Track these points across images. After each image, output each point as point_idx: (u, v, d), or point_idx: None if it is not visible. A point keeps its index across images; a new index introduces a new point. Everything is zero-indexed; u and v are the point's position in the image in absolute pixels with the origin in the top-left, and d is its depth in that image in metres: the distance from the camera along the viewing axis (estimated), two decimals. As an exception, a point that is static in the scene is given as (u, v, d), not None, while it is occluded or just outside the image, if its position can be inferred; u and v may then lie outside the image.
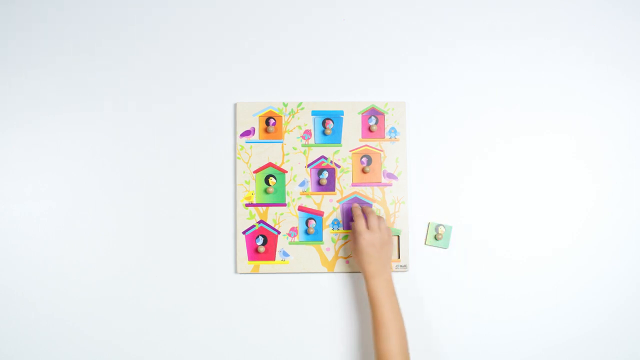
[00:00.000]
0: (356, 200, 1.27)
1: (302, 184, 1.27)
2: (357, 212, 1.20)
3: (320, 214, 1.26)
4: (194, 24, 1.28)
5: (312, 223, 1.24)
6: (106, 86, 1.27)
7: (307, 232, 1.25)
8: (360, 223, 1.18)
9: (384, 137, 1.28)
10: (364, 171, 1.26)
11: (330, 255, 1.26)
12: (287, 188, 1.26)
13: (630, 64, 1.30)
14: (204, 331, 1.25)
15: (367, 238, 1.15)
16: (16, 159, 1.26)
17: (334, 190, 1.27)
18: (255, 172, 1.27)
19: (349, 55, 1.29)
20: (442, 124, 1.28)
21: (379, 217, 1.19)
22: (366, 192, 1.27)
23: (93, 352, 1.24)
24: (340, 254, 1.26)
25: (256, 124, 1.27)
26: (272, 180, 1.24)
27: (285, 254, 1.26)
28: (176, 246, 1.25)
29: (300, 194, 1.27)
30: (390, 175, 1.27)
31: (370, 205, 1.25)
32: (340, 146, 1.27)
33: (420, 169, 1.28)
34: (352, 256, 1.22)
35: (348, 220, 1.25)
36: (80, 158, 1.26)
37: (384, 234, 1.17)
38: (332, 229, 1.26)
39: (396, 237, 1.26)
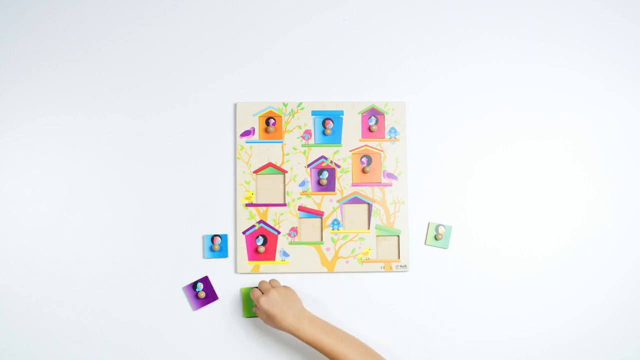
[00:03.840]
0: (356, 200, 1.27)
1: (302, 184, 1.27)
2: (255, 294, 1.18)
3: (320, 213, 1.26)
4: (194, 25, 1.28)
5: (218, 240, 1.24)
6: (106, 87, 1.27)
7: (212, 249, 1.25)
8: (254, 292, 1.17)
9: (384, 137, 1.28)
10: (364, 171, 1.26)
11: (330, 255, 1.26)
12: (287, 188, 1.26)
13: (631, 67, 1.30)
14: (203, 330, 1.25)
15: (264, 301, 1.14)
16: (16, 160, 1.26)
17: (334, 190, 1.27)
18: (255, 172, 1.27)
19: (349, 55, 1.29)
20: (442, 123, 1.29)
21: (271, 279, 1.21)
22: (366, 192, 1.27)
23: (93, 351, 1.24)
24: (341, 254, 1.26)
25: (256, 124, 1.27)
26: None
27: (285, 254, 1.26)
28: (176, 246, 1.25)
29: (300, 194, 1.27)
30: (390, 175, 1.27)
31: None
32: (340, 146, 1.27)
33: (420, 169, 1.28)
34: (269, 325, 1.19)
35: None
36: (80, 158, 1.26)
37: (278, 289, 1.17)
38: (332, 229, 1.26)
39: (396, 237, 1.26)
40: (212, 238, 1.25)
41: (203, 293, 1.24)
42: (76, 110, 1.27)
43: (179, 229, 1.26)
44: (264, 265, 1.25)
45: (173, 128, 1.27)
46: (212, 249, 1.25)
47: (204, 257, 1.25)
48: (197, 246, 1.26)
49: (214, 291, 1.25)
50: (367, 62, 1.29)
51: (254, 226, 1.26)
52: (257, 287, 1.21)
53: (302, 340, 1.13)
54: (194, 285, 1.25)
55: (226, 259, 1.26)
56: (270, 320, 1.15)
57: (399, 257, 1.26)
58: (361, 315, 1.26)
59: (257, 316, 1.24)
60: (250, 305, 1.25)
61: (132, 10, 1.28)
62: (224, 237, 1.25)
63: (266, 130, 1.27)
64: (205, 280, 1.25)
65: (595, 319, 1.27)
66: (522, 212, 1.28)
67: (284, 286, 1.20)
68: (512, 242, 1.28)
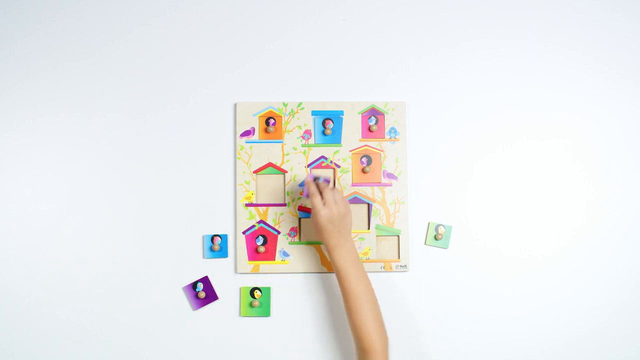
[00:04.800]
0: (356, 200, 1.27)
1: (302, 184, 1.27)
2: (312, 189, 1.17)
3: (320, 214, 1.26)
4: (194, 25, 1.28)
5: (218, 240, 1.24)
6: (106, 87, 1.27)
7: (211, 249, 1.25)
8: (316, 200, 1.15)
9: (384, 137, 1.28)
10: (364, 171, 1.26)
11: (330, 255, 1.26)
12: (287, 188, 1.26)
13: (631, 67, 1.30)
14: (203, 330, 1.25)
15: (324, 215, 1.13)
16: (16, 160, 1.26)
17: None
18: (255, 172, 1.27)
19: (349, 55, 1.29)
20: (442, 123, 1.29)
21: (334, 190, 1.17)
22: (366, 192, 1.27)
23: (93, 351, 1.24)
24: (340, 254, 1.26)
25: (256, 124, 1.27)
26: (257, 293, 1.24)
27: (285, 254, 1.26)
28: (176, 246, 1.25)
29: (300, 194, 1.26)
30: (390, 175, 1.27)
31: (327, 182, 1.20)
32: (340, 146, 1.27)
33: (420, 169, 1.28)
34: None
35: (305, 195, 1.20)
36: (80, 158, 1.26)
37: (340, 207, 1.15)
38: (332, 229, 1.26)
39: (396, 237, 1.26)
40: (212, 238, 1.25)
41: (203, 293, 1.24)
42: (76, 110, 1.27)
43: (179, 229, 1.26)
44: (264, 265, 1.25)
45: (173, 128, 1.27)
46: (212, 249, 1.25)
47: (204, 257, 1.25)
48: (197, 246, 1.26)
49: (214, 291, 1.25)
50: (367, 62, 1.29)
51: (254, 226, 1.26)
52: (318, 190, 1.16)
53: (332, 262, 1.14)
54: (194, 285, 1.25)
55: (226, 259, 1.26)
56: (318, 232, 1.15)
57: (399, 257, 1.26)
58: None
59: (254, 314, 1.24)
60: (248, 305, 1.25)
61: (132, 10, 1.28)
62: (224, 237, 1.25)
63: (266, 130, 1.27)
64: (205, 280, 1.25)
65: (595, 319, 1.27)
66: (522, 212, 1.28)
67: (345, 203, 1.17)
68: (512, 242, 1.28)
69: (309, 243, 1.26)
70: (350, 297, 1.12)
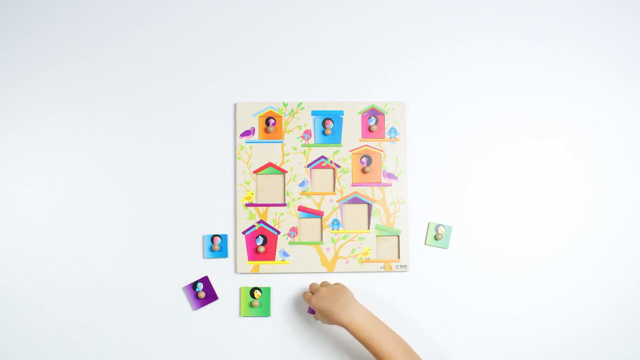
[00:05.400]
0: (356, 200, 1.27)
1: (302, 184, 1.27)
2: (303, 294, 1.21)
3: (320, 213, 1.26)
4: (194, 25, 1.28)
5: (218, 240, 1.24)
6: (106, 87, 1.27)
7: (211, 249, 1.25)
8: (305, 295, 1.19)
9: (384, 137, 1.28)
10: (364, 171, 1.26)
11: (330, 255, 1.26)
12: (287, 188, 1.26)
13: (631, 67, 1.30)
14: (203, 330, 1.25)
15: (315, 299, 1.15)
16: (16, 160, 1.26)
17: (333, 190, 1.27)
18: (255, 172, 1.27)
19: (349, 55, 1.29)
20: (442, 123, 1.29)
21: (321, 282, 1.22)
22: (366, 192, 1.27)
23: (93, 351, 1.24)
24: (341, 254, 1.26)
25: (256, 124, 1.27)
26: (257, 293, 1.24)
27: (285, 254, 1.26)
28: (176, 246, 1.25)
29: (300, 194, 1.27)
30: (390, 175, 1.27)
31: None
32: (340, 146, 1.27)
33: (420, 169, 1.28)
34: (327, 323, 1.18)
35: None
36: (80, 158, 1.26)
37: (327, 287, 1.18)
38: (332, 229, 1.26)
39: (396, 237, 1.26)
40: (212, 238, 1.25)
41: (203, 293, 1.24)
42: (76, 110, 1.27)
43: (179, 229, 1.26)
44: (264, 265, 1.25)
45: (173, 128, 1.27)
46: (212, 249, 1.25)
47: (204, 257, 1.25)
48: (197, 246, 1.26)
49: (214, 291, 1.25)
50: (367, 62, 1.29)
51: (254, 226, 1.26)
52: (307, 292, 1.21)
53: (353, 334, 1.11)
54: (194, 285, 1.25)
55: (226, 259, 1.26)
56: (325, 316, 1.15)
57: (399, 257, 1.26)
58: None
59: (254, 314, 1.24)
60: (248, 305, 1.25)
61: (132, 10, 1.28)
62: (223, 237, 1.25)
63: (266, 130, 1.27)
64: (205, 280, 1.25)
65: (595, 319, 1.27)
66: (522, 212, 1.28)
67: (335, 283, 1.21)
68: (512, 242, 1.28)
69: (309, 243, 1.26)
70: (384, 357, 1.08)
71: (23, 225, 1.25)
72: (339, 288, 1.18)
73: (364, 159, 1.27)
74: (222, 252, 1.25)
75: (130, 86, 1.27)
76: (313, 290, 1.20)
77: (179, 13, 1.28)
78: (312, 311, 1.24)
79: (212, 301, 1.25)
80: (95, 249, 1.25)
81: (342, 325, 1.12)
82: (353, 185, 1.27)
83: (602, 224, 1.28)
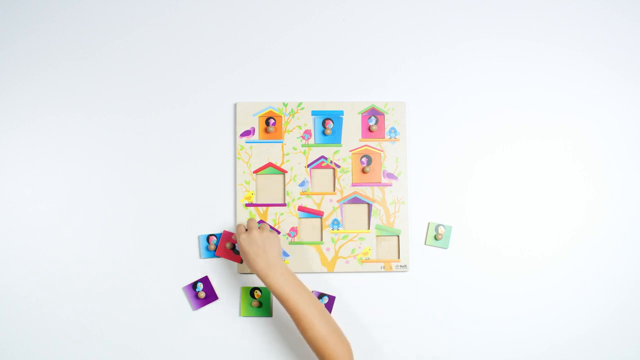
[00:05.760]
0: (356, 200, 1.27)
1: (302, 184, 1.27)
2: (237, 225, 1.20)
3: (320, 213, 1.26)
4: (194, 25, 1.28)
5: (213, 239, 1.24)
6: (106, 87, 1.27)
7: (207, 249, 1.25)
8: (237, 227, 1.18)
9: (384, 137, 1.28)
10: (364, 171, 1.26)
11: (330, 255, 1.26)
12: (287, 188, 1.26)
13: (631, 67, 1.30)
14: (203, 330, 1.25)
15: (245, 238, 1.14)
16: (16, 160, 1.26)
17: (333, 190, 1.27)
18: (255, 172, 1.27)
19: (349, 55, 1.29)
20: (442, 124, 1.29)
21: (259, 221, 1.20)
22: (366, 192, 1.27)
23: (93, 351, 1.24)
24: (341, 254, 1.26)
25: (256, 124, 1.27)
26: (257, 293, 1.24)
27: (285, 254, 1.26)
28: (176, 246, 1.25)
29: (300, 194, 1.27)
30: (390, 175, 1.27)
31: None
32: (340, 146, 1.27)
33: (420, 169, 1.28)
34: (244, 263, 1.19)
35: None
36: (80, 158, 1.26)
37: (263, 230, 1.16)
38: (332, 229, 1.26)
39: (396, 237, 1.26)
40: (208, 238, 1.25)
41: (203, 293, 1.24)
42: (76, 110, 1.27)
43: (179, 229, 1.26)
44: (264, 265, 1.25)
45: (173, 128, 1.27)
46: (208, 249, 1.25)
47: (200, 257, 1.25)
48: (198, 246, 1.26)
49: (213, 291, 1.25)
50: (367, 62, 1.29)
51: (254, 226, 1.26)
52: (242, 224, 1.19)
53: (269, 288, 1.11)
54: (194, 285, 1.25)
55: (224, 258, 1.26)
56: (245, 259, 1.14)
57: (399, 257, 1.26)
58: (361, 315, 1.26)
59: (254, 314, 1.24)
60: (248, 305, 1.25)
61: (132, 10, 1.28)
62: (219, 237, 1.25)
63: (266, 130, 1.27)
64: (205, 280, 1.25)
65: (595, 319, 1.27)
66: (522, 212, 1.28)
67: (271, 231, 1.18)
68: (512, 242, 1.28)
69: (309, 243, 1.26)
70: (299, 318, 1.10)
71: (23, 225, 1.25)
72: (272, 239, 1.15)
73: (364, 159, 1.27)
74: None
75: (130, 86, 1.27)
76: (248, 227, 1.17)
77: (179, 13, 1.28)
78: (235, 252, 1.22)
79: (212, 301, 1.25)
80: (95, 249, 1.25)
81: (259, 276, 1.12)
82: (353, 185, 1.27)
83: (602, 224, 1.28)
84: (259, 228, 1.17)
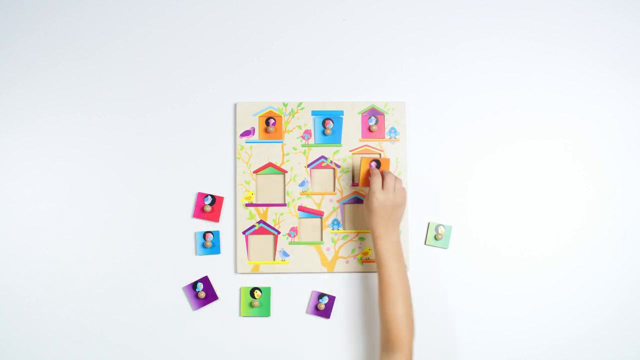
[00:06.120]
0: (356, 200, 1.27)
1: (302, 184, 1.27)
2: (374, 172, 1.18)
3: (320, 213, 1.26)
4: (194, 25, 1.28)
5: (210, 237, 1.24)
6: (106, 87, 1.27)
7: (204, 246, 1.25)
8: (375, 181, 1.15)
9: (384, 137, 1.28)
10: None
11: (330, 255, 1.26)
12: (287, 188, 1.26)
13: (631, 67, 1.30)
14: (203, 330, 1.25)
15: (379, 198, 1.13)
16: (16, 160, 1.26)
17: (333, 190, 1.27)
18: (256, 172, 1.27)
19: (349, 55, 1.29)
20: (442, 124, 1.29)
21: (396, 179, 1.17)
22: (366, 192, 1.27)
23: (93, 351, 1.24)
24: (341, 254, 1.26)
25: (256, 124, 1.27)
26: (257, 293, 1.25)
27: (285, 254, 1.26)
28: (177, 246, 1.25)
29: (300, 194, 1.27)
30: (390, 175, 1.27)
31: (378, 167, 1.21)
32: (340, 146, 1.27)
33: (420, 169, 1.28)
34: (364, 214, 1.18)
35: (365, 178, 1.21)
36: (80, 158, 1.26)
37: (397, 196, 1.15)
38: (332, 229, 1.26)
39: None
40: (204, 235, 1.25)
41: (203, 293, 1.24)
42: (76, 110, 1.27)
43: (179, 229, 1.26)
44: (264, 265, 1.25)
45: (173, 128, 1.27)
46: (204, 246, 1.25)
47: (196, 254, 1.25)
48: (194, 244, 1.26)
49: (213, 291, 1.25)
50: (367, 62, 1.29)
51: (254, 226, 1.26)
52: (380, 174, 1.15)
53: (374, 249, 1.13)
54: (194, 285, 1.25)
55: (224, 258, 1.25)
56: (368, 215, 1.14)
57: (399, 257, 1.26)
58: (361, 315, 1.26)
59: (254, 314, 1.24)
60: (248, 305, 1.25)
61: (132, 10, 1.28)
62: (215, 234, 1.25)
63: (266, 130, 1.27)
64: (205, 280, 1.25)
65: (595, 319, 1.27)
66: (522, 212, 1.28)
67: (403, 192, 1.16)
68: (512, 242, 1.28)
69: (309, 243, 1.26)
70: (388, 288, 1.12)
71: (23, 225, 1.25)
72: (402, 203, 1.14)
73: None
74: (214, 249, 1.25)
75: (130, 86, 1.27)
76: (385, 184, 1.13)
77: (179, 13, 1.28)
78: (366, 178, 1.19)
79: (212, 301, 1.25)
80: (95, 249, 1.25)
81: (373, 236, 1.13)
82: (353, 185, 1.27)
83: (602, 224, 1.28)
84: (394, 190, 1.14)
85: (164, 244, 1.25)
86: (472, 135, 1.29)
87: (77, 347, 1.24)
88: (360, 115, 1.28)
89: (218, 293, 1.25)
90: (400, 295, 1.12)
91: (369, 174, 1.20)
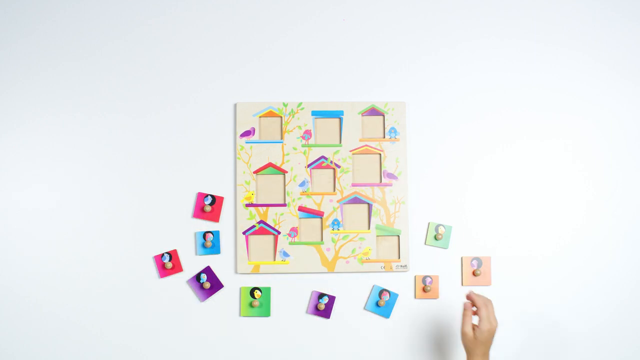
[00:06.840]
0: (356, 200, 1.27)
1: (302, 184, 1.27)
2: (465, 309, 1.14)
3: (320, 214, 1.26)
4: (194, 25, 1.28)
5: (210, 237, 1.24)
6: (106, 87, 1.27)
7: (204, 246, 1.25)
8: (492, 316, 1.12)
9: (384, 137, 1.28)
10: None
11: (330, 255, 1.26)
12: (287, 188, 1.26)
13: (631, 67, 1.30)
14: (203, 330, 1.25)
15: (495, 330, 1.11)
16: (16, 160, 1.26)
17: (334, 190, 1.27)
18: (256, 172, 1.27)
19: (349, 55, 1.29)
20: (442, 124, 1.29)
21: (488, 306, 1.13)
22: (366, 192, 1.27)
23: (93, 351, 1.24)
24: (341, 254, 1.26)
25: (256, 124, 1.27)
26: (257, 293, 1.25)
27: (285, 254, 1.26)
28: (177, 246, 1.25)
29: (300, 194, 1.26)
30: (390, 175, 1.27)
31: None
32: (340, 146, 1.27)
33: (420, 169, 1.28)
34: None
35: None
36: (80, 158, 1.26)
37: (494, 324, 1.12)
38: (332, 229, 1.26)
39: (396, 237, 1.26)
40: (204, 235, 1.25)
41: (208, 283, 1.24)
42: (76, 110, 1.27)
43: (179, 229, 1.26)
44: (264, 265, 1.25)
45: (173, 128, 1.27)
46: (204, 246, 1.25)
47: (196, 254, 1.25)
48: (194, 244, 1.26)
49: (218, 280, 1.25)
50: (367, 62, 1.29)
51: (254, 226, 1.26)
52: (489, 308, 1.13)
53: None
54: (197, 277, 1.25)
55: (225, 258, 1.25)
56: (480, 338, 1.11)
57: (399, 257, 1.26)
58: (361, 315, 1.26)
59: (254, 314, 1.24)
60: (248, 305, 1.25)
61: (132, 10, 1.28)
62: (215, 234, 1.25)
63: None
64: (207, 271, 1.24)
65: (595, 319, 1.27)
66: (522, 212, 1.28)
67: (495, 321, 1.13)
68: (512, 242, 1.28)
69: (309, 243, 1.26)
70: None
71: (23, 225, 1.25)
72: (493, 333, 1.13)
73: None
74: (214, 249, 1.25)
75: (130, 86, 1.27)
76: (480, 310, 1.12)
77: (179, 13, 1.28)
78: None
79: (218, 289, 1.24)
80: (95, 249, 1.25)
81: (470, 353, 1.12)
82: (353, 185, 1.27)
83: (602, 224, 1.28)
84: (488, 317, 1.12)
85: (164, 244, 1.25)
86: (472, 135, 1.29)
87: (77, 347, 1.24)
88: (360, 115, 1.28)
89: (219, 293, 1.25)
90: None
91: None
